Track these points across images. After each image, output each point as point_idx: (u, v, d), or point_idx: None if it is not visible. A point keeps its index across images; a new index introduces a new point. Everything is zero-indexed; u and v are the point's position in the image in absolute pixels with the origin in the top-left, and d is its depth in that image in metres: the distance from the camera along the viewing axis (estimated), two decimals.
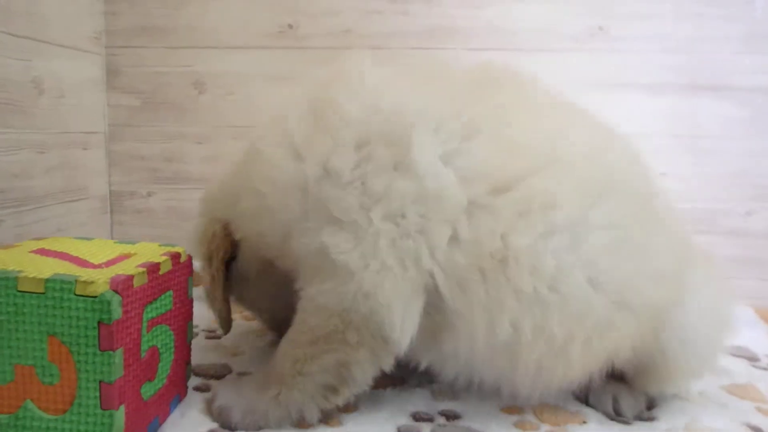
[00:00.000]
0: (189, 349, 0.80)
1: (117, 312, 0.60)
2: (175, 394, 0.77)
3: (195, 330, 1.05)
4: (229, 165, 0.88)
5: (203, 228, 0.87)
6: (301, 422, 0.73)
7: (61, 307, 0.60)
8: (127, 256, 0.72)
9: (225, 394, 0.76)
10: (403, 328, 0.68)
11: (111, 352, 0.60)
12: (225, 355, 0.96)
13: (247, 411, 0.73)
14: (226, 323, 0.88)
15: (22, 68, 1.00)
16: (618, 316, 0.69)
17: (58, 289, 0.59)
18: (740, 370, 0.99)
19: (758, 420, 0.81)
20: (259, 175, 0.74)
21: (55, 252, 0.72)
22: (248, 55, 1.25)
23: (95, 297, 0.59)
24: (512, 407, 0.82)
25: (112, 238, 1.28)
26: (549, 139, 0.70)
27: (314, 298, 0.71)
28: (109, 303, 0.59)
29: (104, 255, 0.72)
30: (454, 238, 0.67)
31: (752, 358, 1.05)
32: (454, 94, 0.73)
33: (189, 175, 1.28)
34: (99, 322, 0.59)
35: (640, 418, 0.80)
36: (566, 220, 0.66)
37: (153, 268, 0.68)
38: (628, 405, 0.80)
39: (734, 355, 1.05)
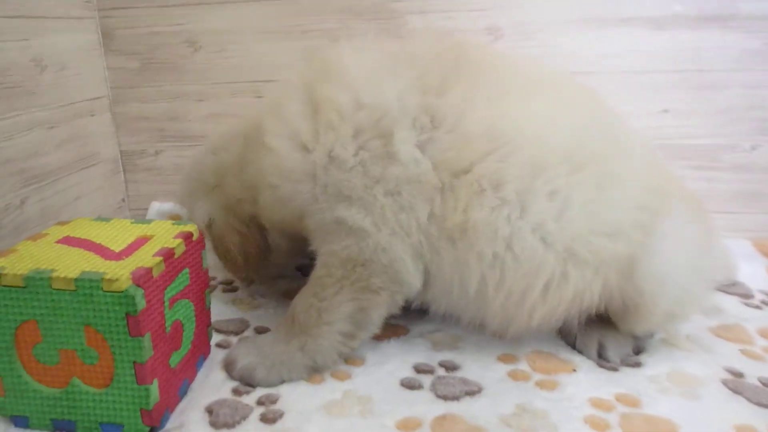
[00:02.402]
0: (209, 314, 0.89)
1: (141, 303, 0.68)
2: (200, 355, 0.86)
3: (212, 283, 1.14)
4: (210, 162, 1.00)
5: (234, 224, 0.98)
6: (323, 368, 0.84)
7: (92, 302, 0.67)
8: (144, 240, 0.79)
9: (245, 354, 0.84)
10: (414, 275, 0.82)
11: (140, 338, 0.68)
12: (242, 309, 1.05)
13: (271, 366, 0.83)
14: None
15: (21, 49, 1.03)
16: (572, 268, 0.78)
17: (87, 287, 0.67)
18: (731, 309, 1.02)
19: (741, 364, 0.85)
20: (272, 170, 0.84)
21: (79, 240, 0.79)
22: (238, 10, 1.25)
23: (121, 292, 0.67)
24: (508, 356, 0.88)
25: (127, 197, 1.36)
26: (501, 125, 0.78)
27: (337, 252, 0.82)
28: (133, 297, 0.67)
29: (123, 239, 0.79)
30: (431, 214, 0.79)
31: (745, 295, 1.08)
32: (426, 84, 0.81)
33: (193, 132, 1.32)
34: (126, 314, 0.67)
35: (626, 363, 0.85)
36: (514, 192, 0.76)
37: (168, 254, 0.75)
38: (614, 349, 0.86)
39: (727, 293, 1.08)
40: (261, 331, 0.97)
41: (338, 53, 0.85)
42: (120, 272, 0.68)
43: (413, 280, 0.82)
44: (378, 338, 0.93)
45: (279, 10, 1.25)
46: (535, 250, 0.77)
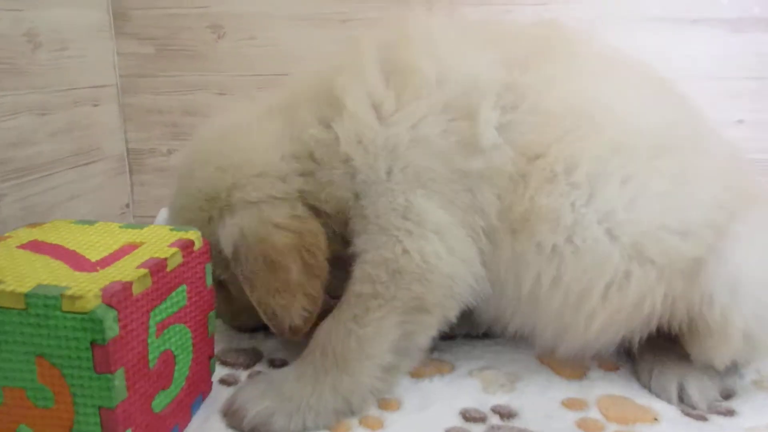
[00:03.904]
0: (212, 342, 0.71)
1: (112, 329, 0.50)
2: (197, 394, 0.68)
3: None
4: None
5: (271, 216, 0.72)
6: (357, 411, 0.69)
7: (47, 326, 0.50)
8: (133, 247, 0.62)
9: (258, 398, 0.66)
10: (475, 285, 0.71)
11: (109, 375, 0.50)
12: (253, 336, 0.87)
13: (295, 411, 0.66)
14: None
15: (12, 20, 0.89)
16: (636, 268, 0.69)
17: (41, 305, 0.50)
18: None
19: None
20: (348, 138, 0.72)
21: (48, 246, 0.62)
22: None
23: (85, 314, 0.49)
24: (575, 400, 0.73)
25: (132, 201, 1.20)
26: (583, 102, 0.71)
27: (389, 261, 0.68)
28: (101, 321, 0.49)
29: (105, 246, 0.62)
30: (500, 208, 0.70)
31: None
32: (510, 60, 0.73)
33: None
34: (92, 343, 0.49)
35: (715, 410, 0.72)
36: (585, 175, 0.69)
37: (158, 266, 0.58)
38: (698, 392, 0.73)
39: None
40: (276, 363, 0.80)
41: (420, 19, 0.79)
42: (87, 287, 0.51)
43: (472, 294, 0.72)
44: (417, 375, 0.77)
45: None
46: (598, 243, 0.69)
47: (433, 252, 0.68)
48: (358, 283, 0.69)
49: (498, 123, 0.70)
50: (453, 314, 0.71)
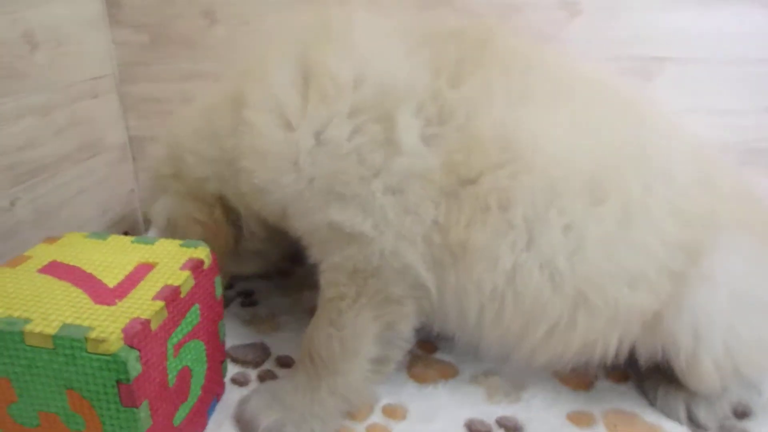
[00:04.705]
0: (223, 348, 0.75)
1: (136, 368, 0.54)
2: (211, 399, 0.73)
3: (228, 293, 1.00)
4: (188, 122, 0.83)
5: (193, 212, 0.83)
6: (359, 406, 0.73)
7: (75, 365, 0.54)
8: (145, 269, 0.66)
9: (266, 410, 0.70)
10: (432, 280, 0.69)
11: (135, 409, 0.55)
12: (261, 331, 0.91)
13: (302, 420, 0.69)
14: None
15: (9, 23, 0.88)
16: (582, 314, 0.67)
17: (68, 346, 0.53)
18: None
19: None
20: (248, 150, 0.70)
21: (67, 269, 0.65)
22: None
23: (109, 356, 0.53)
24: (582, 414, 0.74)
25: (137, 187, 1.22)
26: (517, 134, 0.66)
27: (341, 265, 0.69)
28: (125, 363, 0.53)
29: (120, 267, 0.66)
30: (435, 219, 0.67)
31: None
32: (440, 66, 0.68)
33: None
34: (117, 381, 0.54)
35: (726, 428, 0.70)
36: (522, 218, 0.65)
37: (173, 295, 0.61)
38: (706, 411, 0.71)
39: None
40: (284, 361, 0.84)
41: (342, 13, 0.72)
42: (109, 327, 0.54)
43: (432, 286, 0.70)
44: (423, 380, 0.80)
45: None
46: (540, 290, 0.66)
47: (371, 253, 0.67)
48: (325, 289, 0.71)
49: (421, 134, 0.66)
50: (427, 303, 0.70)
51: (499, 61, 0.69)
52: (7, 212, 0.88)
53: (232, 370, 0.82)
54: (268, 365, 0.83)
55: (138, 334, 0.54)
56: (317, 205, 0.68)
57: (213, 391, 0.73)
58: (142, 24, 1.12)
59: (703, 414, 0.71)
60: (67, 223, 1.00)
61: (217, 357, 0.73)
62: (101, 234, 0.75)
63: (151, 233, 0.91)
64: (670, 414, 0.73)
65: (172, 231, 0.85)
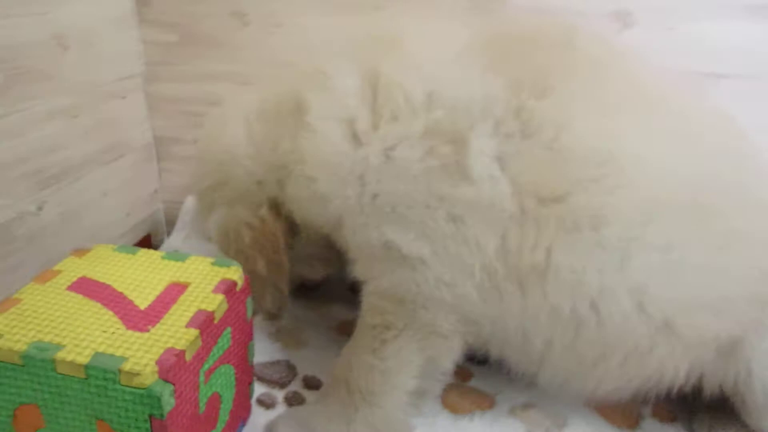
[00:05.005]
0: (251, 370, 0.73)
1: (170, 403, 0.52)
2: (238, 424, 0.71)
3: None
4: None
5: (242, 216, 0.78)
6: None
7: (107, 396, 0.52)
8: (177, 290, 0.64)
9: None
10: (485, 313, 0.66)
11: None
12: (287, 346, 0.89)
13: None
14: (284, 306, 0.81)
15: (40, 24, 0.86)
16: (662, 341, 0.63)
17: (101, 377, 0.52)
18: None
19: None
20: (312, 158, 0.68)
21: (97, 286, 0.63)
22: None
23: (143, 389, 0.51)
24: None
25: (160, 187, 1.20)
26: (615, 146, 0.61)
27: (389, 291, 0.66)
28: (159, 398, 0.51)
29: (152, 286, 0.64)
30: (501, 248, 0.63)
31: None
32: (521, 78, 0.64)
33: None
34: (150, 416, 0.52)
35: None
36: (616, 237, 0.61)
37: (207, 322, 0.59)
38: None
39: None
40: (310, 382, 0.82)
41: (409, 28, 0.70)
42: (143, 358, 0.53)
43: (484, 320, 0.67)
44: (457, 410, 0.77)
45: None
46: (626, 317, 0.62)
47: (425, 280, 0.65)
48: (368, 315, 0.69)
49: (499, 152, 0.62)
50: (472, 338, 0.68)
51: (584, 67, 0.66)
52: (34, 217, 0.86)
53: (257, 390, 0.80)
54: (295, 386, 0.81)
55: (173, 368, 0.52)
56: (376, 221, 0.66)
57: (240, 416, 0.72)
58: (171, 23, 1.10)
59: None
60: (91, 227, 0.99)
61: (246, 380, 0.72)
62: (130, 248, 0.73)
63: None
64: None
65: (224, 240, 0.80)
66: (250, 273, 0.73)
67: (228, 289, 0.65)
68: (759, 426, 0.67)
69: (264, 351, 0.87)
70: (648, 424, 0.75)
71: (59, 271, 0.66)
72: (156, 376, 0.51)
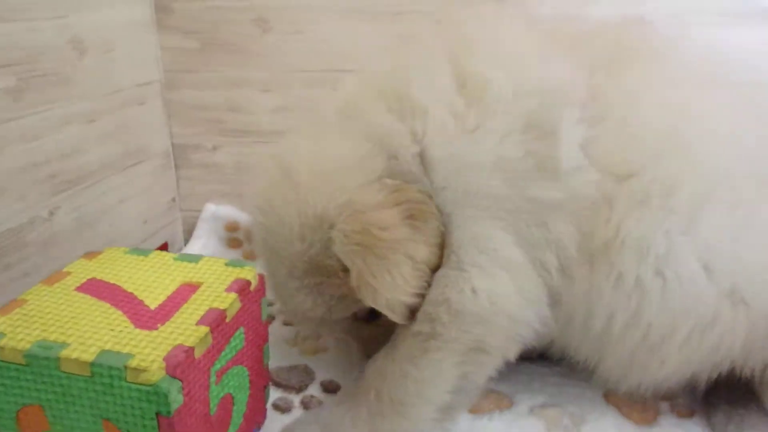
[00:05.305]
0: (267, 372, 0.71)
1: (177, 399, 0.50)
2: (253, 428, 0.69)
3: (269, 310, 0.96)
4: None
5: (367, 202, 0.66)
6: None
7: (112, 394, 0.50)
8: (189, 290, 0.62)
9: None
10: (536, 329, 0.66)
11: None
12: (304, 352, 0.87)
13: None
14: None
15: (58, 29, 0.86)
16: (726, 309, 0.62)
17: (106, 375, 0.49)
18: None
19: None
20: (428, 144, 0.66)
21: (106, 287, 0.62)
22: None
23: (149, 386, 0.49)
24: None
25: (178, 195, 1.19)
26: (682, 120, 0.64)
27: (452, 301, 0.63)
28: (166, 395, 0.48)
29: (162, 287, 0.62)
30: (578, 237, 0.64)
31: None
32: (594, 64, 0.66)
33: (257, 127, 1.13)
34: (157, 414, 0.49)
35: None
36: (686, 200, 0.61)
37: (218, 320, 0.57)
38: None
39: None
40: (328, 387, 0.79)
41: (483, 18, 0.72)
42: (150, 354, 0.50)
43: (534, 337, 0.67)
44: (476, 411, 0.74)
45: None
46: (693, 280, 0.61)
47: (501, 293, 0.63)
48: (417, 322, 0.65)
49: (583, 139, 0.63)
50: (513, 355, 0.67)
51: (649, 55, 0.68)
52: (45, 222, 0.85)
53: (273, 394, 0.77)
54: (312, 390, 0.79)
55: (181, 364, 0.50)
56: (479, 214, 0.65)
57: (254, 420, 0.69)
58: (191, 30, 1.10)
59: None
60: (107, 234, 0.97)
61: (260, 383, 0.69)
62: (142, 250, 0.71)
63: None
64: None
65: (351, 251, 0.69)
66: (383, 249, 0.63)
67: (241, 288, 0.63)
68: None
69: (281, 356, 0.85)
70: (666, 419, 0.73)
71: (68, 273, 0.65)
72: (163, 372, 0.49)
